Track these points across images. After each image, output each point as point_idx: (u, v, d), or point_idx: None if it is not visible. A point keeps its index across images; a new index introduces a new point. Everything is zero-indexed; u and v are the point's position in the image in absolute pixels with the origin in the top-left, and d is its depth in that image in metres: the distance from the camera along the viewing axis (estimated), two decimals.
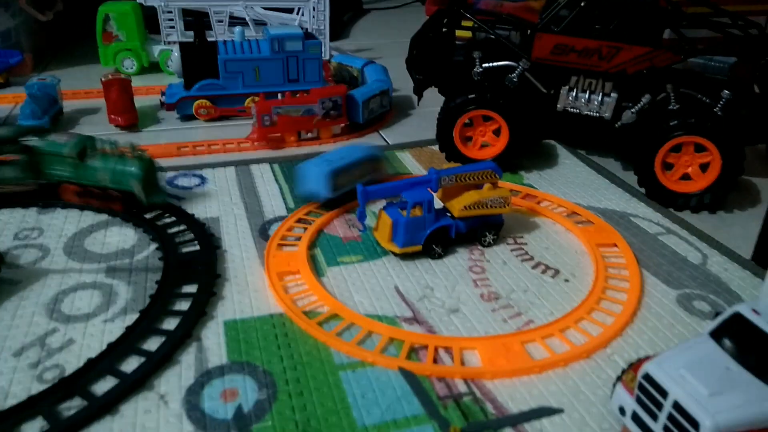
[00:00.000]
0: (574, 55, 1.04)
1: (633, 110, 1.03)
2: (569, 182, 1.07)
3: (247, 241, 0.86)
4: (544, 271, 0.82)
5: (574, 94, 1.07)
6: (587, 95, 1.06)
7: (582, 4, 1.01)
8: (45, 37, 1.73)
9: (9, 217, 0.90)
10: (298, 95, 1.19)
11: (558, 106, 1.08)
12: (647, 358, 0.56)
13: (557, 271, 0.82)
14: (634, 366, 0.56)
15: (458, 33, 1.19)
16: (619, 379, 0.57)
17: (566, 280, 0.80)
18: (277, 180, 1.04)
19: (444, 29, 1.16)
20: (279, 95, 1.23)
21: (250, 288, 0.76)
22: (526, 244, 0.88)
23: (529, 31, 1.08)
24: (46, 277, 0.77)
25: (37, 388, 0.60)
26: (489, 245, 0.87)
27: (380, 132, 1.29)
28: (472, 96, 1.06)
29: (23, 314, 0.70)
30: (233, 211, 0.94)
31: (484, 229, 0.86)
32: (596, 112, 1.07)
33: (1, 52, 1.49)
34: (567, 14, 1.03)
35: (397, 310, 0.74)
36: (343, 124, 1.24)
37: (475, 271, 0.81)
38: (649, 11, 1.01)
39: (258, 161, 1.11)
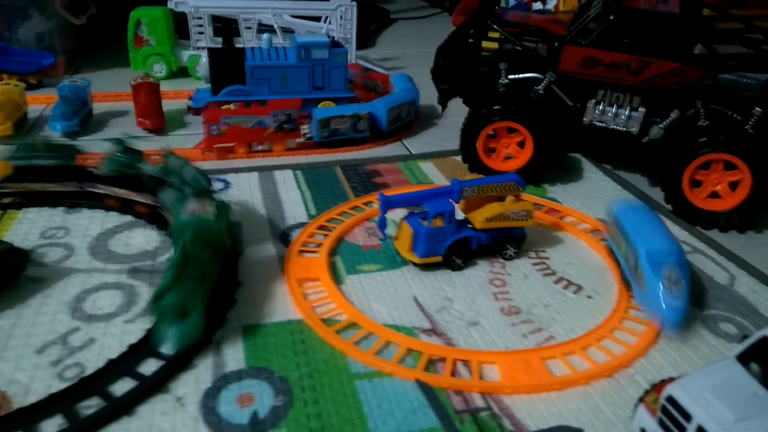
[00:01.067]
0: (602, 68, 1.03)
1: (661, 125, 1.02)
2: (594, 197, 1.05)
3: (268, 246, 0.87)
4: (566, 287, 0.81)
5: (601, 107, 1.05)
6: (614, 109, 1.05)
7: (611, 17, 1.00)
8: (77, 41, 1.76)
9: (37, 215, 0.92)
10: (252, 105, 1.19)
11: (584, 119, 1.07)
12: (671, 379, 0.54)
13: (580, 287, 0.81)
14: (657, 387, 0.55)
15: (484, 44, 1.18)
16: (641, 400, 0.55)
17: (589, 297, 0.79)
18: (299, 186, 1.05)
19: (470, 40, 1.16)
20: (231, 105, 1.22)
21: (270, 293, 0.76)
22: (548, 258, 0.87)
23: (556, 44, 1.07)
24: (69, 276, 0.78)
25: (57, 385, 0.61)
26: (510, 258, 0.86)
27: (403, 141, 1.29)
28: (497, 107, 1.05)
29: (46, 312, 0.72)
30: (255, 216, 0.95)
31: (506, 242, 0.85)
32: (623, 127, 1.05)
33: (36, 53, 1.53)
34: (595, 27, 1.02)
35: (416, 320, 0.73)
36: (298, 139, 1.21)
37: (495, 284, 0.81)
38: (679, 26, 1.00)
39: (281, 167, 1.12)
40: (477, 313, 0.75)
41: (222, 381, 0.62)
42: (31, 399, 0.59)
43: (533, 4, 1.74)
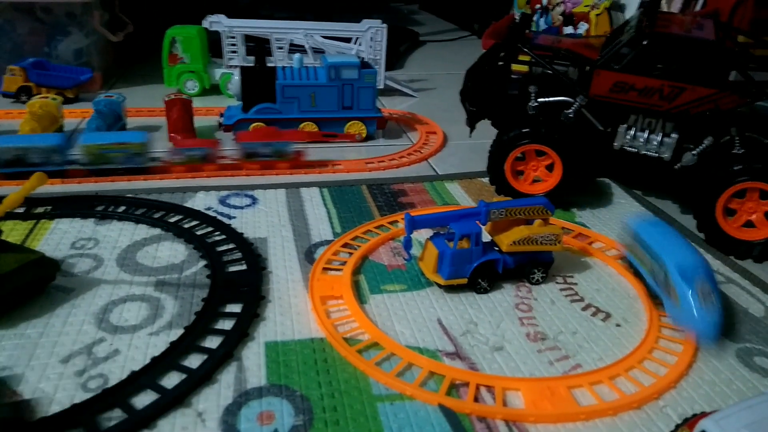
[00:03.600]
0: (634, 93, 1.01)
1: (694, 152, 1.00)
2: (624, 223, 1.03)
3: (293, 263, 0.87)
4: (594, 314, 0.79)
5: (633, 132, 1.04)
6: (646, 134, 1.03)
7: (645, 42, 0.99)
8: (114, 57, 1.81)
9: (68, 226, 0.93)
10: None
11: (615, 144, 1.06)
12: (703, 414, 0.53)
13: (608, 315, 0.79)
14: (690, 422, 0.53)
15: (514, 67, 1.18)
16: None
17: (617, 325, 0.77)
18: (325, 204, 1.05)
19: (500, 63, 1.16)
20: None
21: (293, 310, 0.76)
22: (576, 284, 0.85)
23: (588, 68, 1.06)
24: (97, 287, 0.79)
25: (80, 396, 0.61)
26: (537, 283, 0.84)
27: (430, 161, 1.29)
28: (527, 130, 1.04)
29: (73, 322, 0.72)
30: (281, 232, 0.95)
31: (533, 266, 0.84)
32: (655, 153, 1.04)
33: (73, 69, 1.57)
34: (628, 52, 1.01)
35: (439, 343, 0.72)
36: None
37: (521, 309, 0.79)
38: (714, 52, 0.98)
39: (308, 185, 1.12)
40: (502, 337, 0.73)
41: (243, 397, 0.62)
42: (55, 409, 0.60)
43: (564, 28, 1.73)
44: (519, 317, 0.77)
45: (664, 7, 1.57)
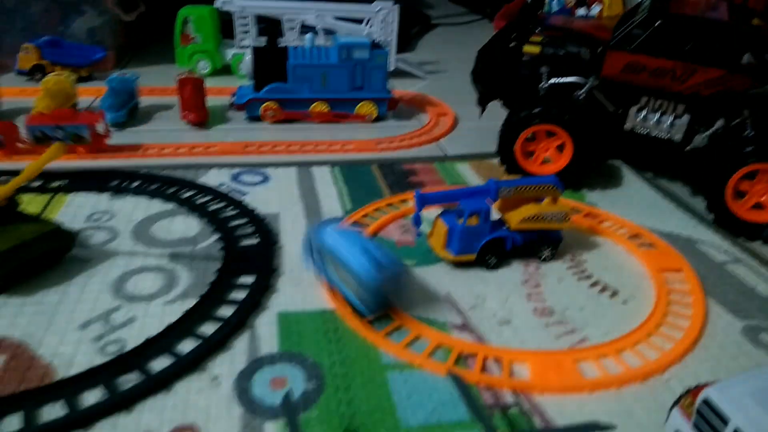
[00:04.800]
0: (646, 74, 1.01)
1: (705, 134, 1.00)
2: (633, 204, 1.04)
3: (302, 238, 0.88)
4: (601, 291, 0.80)
5: (644, 114, 1.04)
6: (657, 116, 1.03)
7: (657, 23, 0.99)
8: (127, 37, 1.82)
9: (84, 200, 0.95)
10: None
11: (626, 125, 1.06)
12: (707, 384, 0.53)
13: (616, 292, 0.80)
14: (694, 391, 0.54)
15: (526, 48, 1.18)
16: (676, 403, 0.54)
17: (625, 302, 0.78)
18: (336, 182, 1.06)
19: (512, 43, 1.15)
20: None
21: (304, 283, 0.78)
22: (584, 262, 0.86)
23: (600, 49, 1.06)
24: (113, 258, 0.81)
25: (99, 360, 0.63)
26: (546, 260, 0.85)
27: (440, 142, 1.29)
28: (537, 110, 1.05)
29: (91, 290, 0.74)
30: (292, 209, 0.96)
31: (542, 244, 0.84)
32: (666, 134, 1.04)
33: (87, 47, 1.58)
34: (641, 33, 1.01)
35: (448, 316, 0.73)
36: None
37: (529, 285, 0.80)
38: (728, 33, 0.98)
39: (319, 163, 1.13)
40: (510, 312, 0.75)
41: (256, 363, 0.64)
42: (74, 371, 0.62)
43: (577, 10, 1.72)
44: (527, 293, 0.78)
45: None
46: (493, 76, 1.14)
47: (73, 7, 1.63)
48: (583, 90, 1.05)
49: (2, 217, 0.74)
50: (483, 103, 1.17)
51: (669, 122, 1.03)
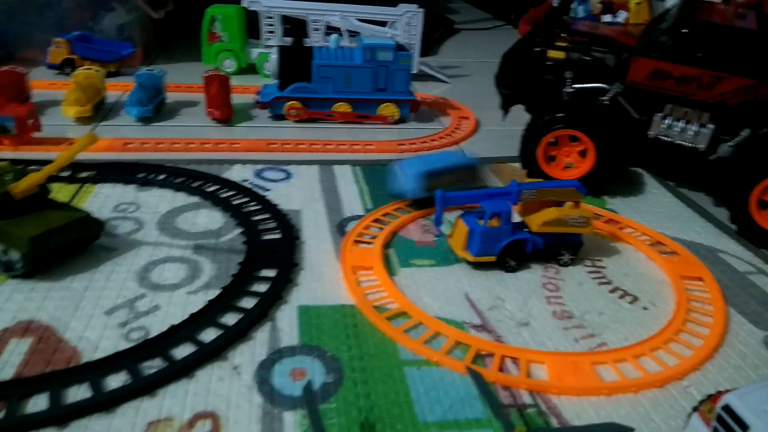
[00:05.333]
0: (672, 81, 1.01)
1: (730, 144, 0.99)
2: (655, 212, 1.03)
3: (325, 235, 0.89)
4: (621, 297, 0.80)
5: (668, 121, 1.03)
6: (682, 124, 1.03)
7: (685, 30, 0.98)
8: (154, 33, 1.85)
9: (111, 191, 0.97)
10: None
11: (649, 132, 1.05)
12: (728, 391, 0.53)
13: (635, 298, 0.79)
14: (713, 397, 0.54)
15: (550, 53, 1.18)
16: (695, 409, 0.54)
17: (644, 308, 0.78)
18: (357, 181, 1.07)
19: (537, 48, 1.16)
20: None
21: (325, 278, 0.78)
22: (604, 267, 0.86)
23: (625, 55, 1.06)
24: (138, 248, 0.82)
25: (123, 345, 0.64)
26: (565, 265, 0.85)
27: (460, 145, 1.30)
28: (561, 115, 1.05)
29: (116, 278, 0.76)
30: (314, 206, 0.97)
31: (562, 248, 0.84)
32: (690, 143, 1.03)
33: (116, 43, 1.62)
34: (668, 40, 1.00)
35: (466, 316, 0.74)
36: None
37: (548, 288, 0.80)
38: (756, 42, 0.97)
39: (340, 162, 1.14)
40: (528, 314, 0.75)
41: (276, 355, 0.64)
42: (99, 355, 0.63)
43: (602, 16, 1.72)
44: (546, 296, 0.78)
45: None
46: (517, 81, 1.15)
47: (103, 4, 1.66)
48: (607, 96, 1.05)
49: (34, 204, 0.76)
50: (506, 107, 1.18)
51: (694, 130, 1.02)
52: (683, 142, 1.03)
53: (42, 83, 1.43)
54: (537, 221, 0.81)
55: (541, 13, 1.68)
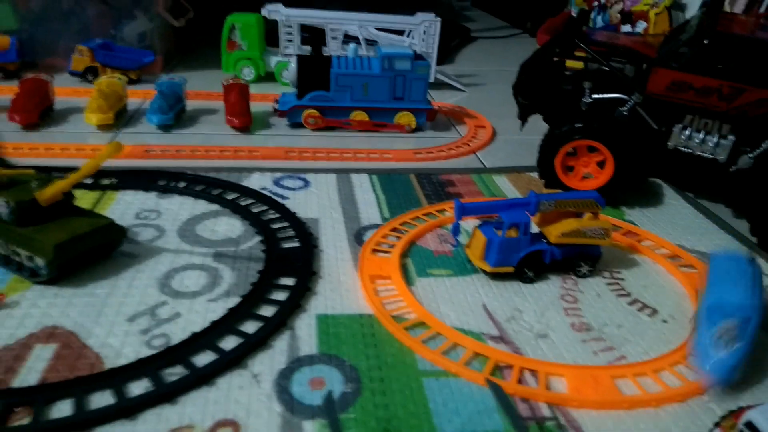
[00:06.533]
0: (692, 92, 1.00)
1: (751, 155, 0.98)
2: (674, 223, 1.02)
3: (343, 243, 0.89)
4: (640, 309, 0.79)
5: (688, 132, 1.03)
6: (702, 135, 1.02)
7: (705, 42, 0.98)
8: (175, 41, 1.88)
9: (133, 198, 0.98)
10: None
11: (669, 143, 1.05)
12: (750, 407, 0.53)
13: (655, 311, 0.79)
14: (735, 414, 0.53)
15: (569, 63, 1.18)
16: (717, 425, 0.54)
17: (664, 321, 0.77)
18: (374, 190, 1.08)
19: (555, 57, 1.16)
20: None
21: (343, 287, 0.79)
22: (623, 279, 0.85)
23: (645, 65, 1.05)
24: (160, 255, 0.83)
25: (145, 352, 0.65)
26: (584, 276, 0.85)
27: (477, 154, 1.30)
28: (579, 125, 1.04)
29: (138, 285, 0.77)
30: (331, 214, 0.98)
31: (580, 259, 0.84)
32: (710, 154, 1.02)
33: (137, 51, 1.64)
34: (688, 51, 1.00)
35: (484, 327, 0.74)
36: None
37: (566, 300, 0.80)
38: None
39: (358, 171, 1.15)
40: (546, 326, 0.74)
41: (295, 363, 0.65)
42: (121, 362, 0.64)
43: (622, 26, 1.71)
44: (564, 308, 0.78)
45: (727, 8, 1.54)
46: (535, 90, 1.15)
47: (125, 12, 1.69)
48: (626, 106, 1.04)
49: (59, 211, 0.78)
50: (524, 116, 1.18)
51: (714, 142, 1.01)
52: (703, 154, 1.03)
53: (65, 90, 1.46)
54: (556, 232, 0.81)
55: (559, 22, 1.68)
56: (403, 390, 0.62)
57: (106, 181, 1.02)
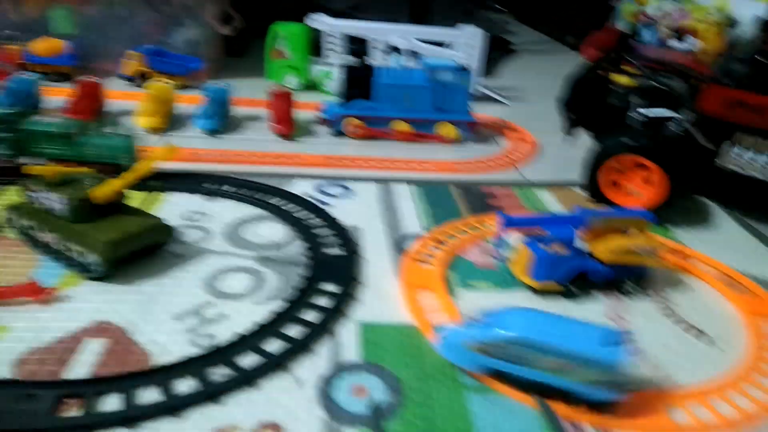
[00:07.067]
0: (745, 111, 0.98)
1: None
2: (722, 244, 1.00)
3: (384, 252, 0.90)
4: (687, 330, 0.77)
5: (739, 151, 1.00)
6: (753, 155, 0.99)
7: (761, 59, 0.96)
8: (221, 49, 1.92)
9: (179, 199, 1.00)
10: None
11: (718, 162, 1.02)
12: None
13: (703, 333, 0.77)
14: None
15: (618, 78, 1.16)
16: None
17: (713, 344, 0.75)
18: (415, 200, 1.08)
19: (604, 72, 1.14)
20: None
21: (385, 296, 0.79)
22: (670, 300, 0.83)
23: (696, 82, 1.03)
24: (205, 256, 0.85)
25: (190, 351, 0.66)
26: (630, 295, 0.83)
27: (519, 167, 1.29)
28: (627, 140, 1.03)
29: (184, 285, 0.78)
30: (373, 222, 0.98)
31: (627, 278, 0.82)
32: (761, 174, 0.99)
33: (187, 58, 1.68)
34: (742, 69, 0.98)
35: None
36: None
37: (612, 319, 0.78)
38: None
39: (398, 180, 1.15)
40: None
41: (338, 370, 0.65)
42: (168, 359, 0.65)
43: (671, 41, 1.68)
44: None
45: None
46: (583, 105, 1.13)
47: (175, 19, 1.74)
48: (675, 123, 1.02)
49: (112, 209, 0.80)
50: (570, 130, 1.16)
51: (765, 161, 0.98)
52: (754, 174, 1.00)
53: (116, 94, 1.50)
54: (603, 249, 0.80)
55: (606, 37, 1.66)
56: (445, 403, 0.62)
57: (154, 182, 1.04)
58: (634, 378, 0.64)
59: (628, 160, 1.04)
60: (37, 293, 0.72)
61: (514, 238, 0.87)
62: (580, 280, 0.81)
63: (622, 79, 1.17)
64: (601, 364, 0.59)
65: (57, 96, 1.40)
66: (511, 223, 0.80)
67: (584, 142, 1.11)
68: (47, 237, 0.79)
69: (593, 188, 1.07)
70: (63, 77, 1.58)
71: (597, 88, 1.15)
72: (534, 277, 0.80)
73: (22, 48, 1.57)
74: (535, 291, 0.81)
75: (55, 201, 0.78)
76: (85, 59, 1.66)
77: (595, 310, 0.80)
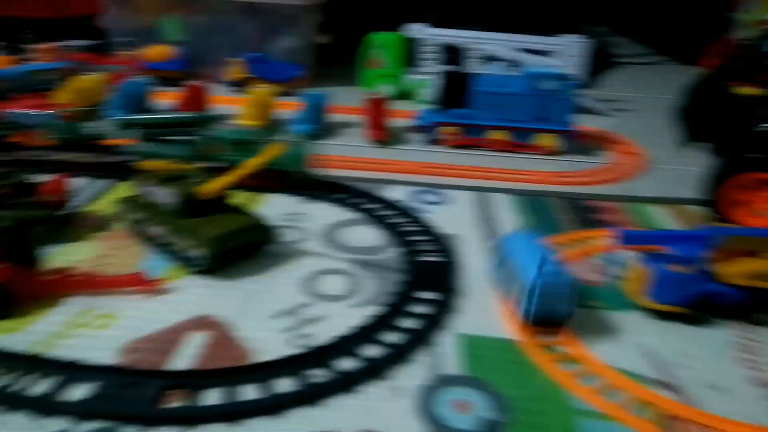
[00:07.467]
0: None
1: None
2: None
3: (482, 262, 0.86)
4: None
5: None
6: None
7: None
8: (319, 57, 1.95)
9: (279, 200, 1.01)
10: None
11: None
12: None
13: None
14: None
15: (742, 89, 1.07)
16: None
17: None
18: (512, 211, 1.03)
19: (727, 84, 1.05)
20: None
21: (484, 308, 0.75)
22: None
23: None
24: (303, 257, 0.84)
25: (286, 350, 0.65)
26: (763, 324, 0.74)
27: (625, 182, 1.21)
28: (753, 156, 0.94)
29: (282, 284, 0.78)
30: (469, 231, 0.94)
31: (758, 305, 0.74)
32: None
33: (288, 65, 1.72)
34: None
35: (644, 369, 0.66)
36: None
37: (742, 349, 0.70)
38: None
39: (495, 190, 1.11)
40: (720, 376, 0.66)
41: (438, 382, 0.62)
42: (265, 357, 0.64)
43: None
44: (740, 358, 0.69)
45: None
46: (702, 116, 1.05)
47: (277, 28, 1.78)
48: None
49: (216, 206, 0.81)
50: (688, 143, 1.08)
51: None
52: None
53: (220, 98, 1.56)
54: (735, 272, 0.72)
55: (725, 48, 1.55)
56: (557, 427, 0.57)
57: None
58: None
59: (754, 178, 0.95)
60: (143, 284, 0.74)
61: (627, 255, 0.81)
62: (706, 303, 0.73)
63: (746, 90, 1.07)
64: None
65: (164, 99, 1.47)
66: (630, 239, 0.74)
67: (698, 158, 1.02)
68: (155, 230, 0.81)
69: (712, 207, 0.98)
70: (172, 81, 1.66)
71: (718, 99, 1.06)
72: (654, 297, 0.73)
73: (136, 53, 1.67)
74: (651, 312, 0.74)
75: (164, 195, 0.80)
76: (192, 65, 1.74)
77: (722, 338, 0.72)
